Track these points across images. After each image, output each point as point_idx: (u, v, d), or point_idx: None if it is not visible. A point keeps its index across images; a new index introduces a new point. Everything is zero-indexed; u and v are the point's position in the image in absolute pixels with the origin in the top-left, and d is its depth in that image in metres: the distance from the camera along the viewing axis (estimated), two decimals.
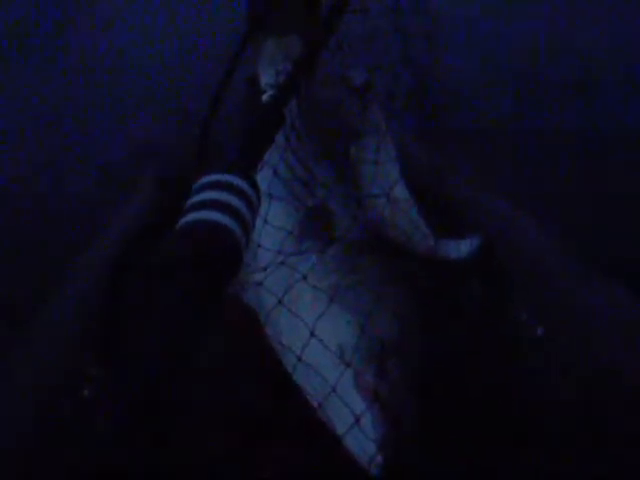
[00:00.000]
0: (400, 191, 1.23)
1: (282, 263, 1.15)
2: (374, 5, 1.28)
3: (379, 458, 0.92)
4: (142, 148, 2.42)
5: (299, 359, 1.01)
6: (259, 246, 1.16)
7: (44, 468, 0.90)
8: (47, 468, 0.90)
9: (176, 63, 3.03)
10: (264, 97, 1.42)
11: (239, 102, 1.59)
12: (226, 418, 1.07)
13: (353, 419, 0.95)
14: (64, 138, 2.68)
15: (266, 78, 1.54)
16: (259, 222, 1.08)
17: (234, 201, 0.75)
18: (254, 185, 0.80)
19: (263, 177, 1.03)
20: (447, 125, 1.30)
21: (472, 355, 1.10)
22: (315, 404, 1.01)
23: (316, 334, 1.01)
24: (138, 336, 0.66)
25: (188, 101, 2.36)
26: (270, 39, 1.67)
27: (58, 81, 3.08)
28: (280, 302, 1.06)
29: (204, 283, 0.69)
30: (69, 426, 0.94)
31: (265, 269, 1.15)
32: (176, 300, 0.67)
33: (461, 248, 1.22)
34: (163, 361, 0.65)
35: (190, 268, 0.69)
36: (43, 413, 1.00)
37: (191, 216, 0.73)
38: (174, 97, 2.70)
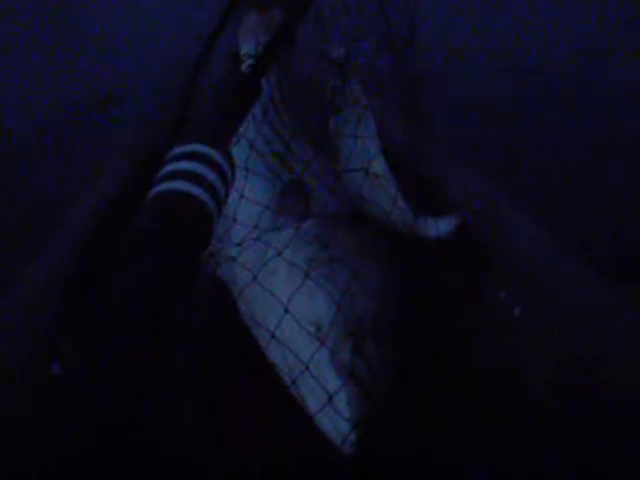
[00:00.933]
0: (379, 166, 1.21)
1: (257, 238, 1.13)
2: None
3: (352, 436, 0.91)
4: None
5: (273, 336, 1.00)
6: (234, 220, 1.14)
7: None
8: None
9: (157, 35, 2.99)
10: (243, 67, 1.40)
11: (220, 76, 1.56)
12: (197, 395, 1.06)
13: (326, 397, 0.94)
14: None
15: (245, 48, 1.51)
16: (235, 196, 1.06)
17: (206, 172, 0.73)
18: (228, 157, 0.79)
19: (240, 151, 1.01)
20: (427, 100, 1.27)
21: (449, 333, 1.09)
22: (288, 382, 1.00)
23: (291, 310, 0.99)
24: (110, 307, 0.65)
25: (167, 72, 2.31)
26: (252, 12, 1.64)
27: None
28: (255, 278, 1.04)
29: (174, 253, 0.68)
30: (35, 404, 0.92)
31: (240, 244, 1.14)
32: (146, 270, 0.65)
33: (440, 226, 1.21)
34: (134, 334, 0.63)
35: (159, 238, 0.67)
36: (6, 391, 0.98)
37: (162, 186, 0.72)
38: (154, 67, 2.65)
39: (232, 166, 0.80)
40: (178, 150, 0.76)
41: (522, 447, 0.95)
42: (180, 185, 0.71)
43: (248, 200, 1.11)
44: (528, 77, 2.75)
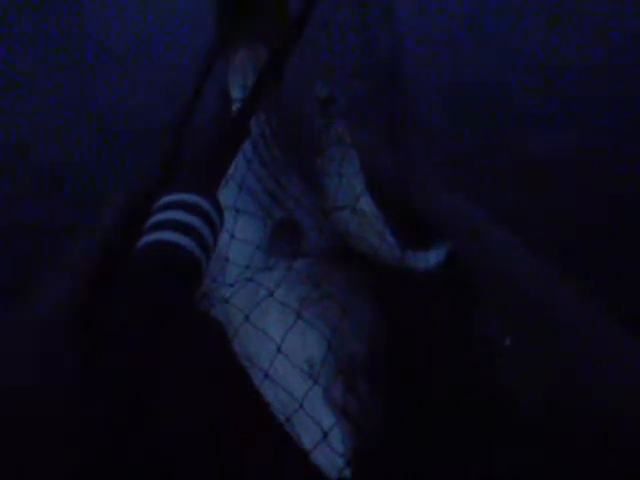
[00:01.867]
0: (366, 203, 1.23)
1: (249, 279, 1.14)
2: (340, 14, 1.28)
3: (347, 472, 0.92)
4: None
5: (266, 375, 1.01)
6: (227, 260, 1.16)
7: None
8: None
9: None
10: (233, 110, 1.42)
11: (209, 118, 1.59)
12: (196, 434, 1.06)
13: (321, 434, 0.95)
14: None
15: (235, 93, 1.53)
16: (226, 237, 1.08)
17: (194, 221, 0.75)
18: (215, 204, 0.80)
19: (229, 191, 1.03)
20: (413, 130, 1.30)
21: (440, 365, 1.10)
22: (282, 419, 1.01)
23: (283, 350, 1.01)
24: (106, 356, 0.66)
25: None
26: (240, 50, 1.67)
27: None
28: (247, 318, 1.06)
29: (163, 300, 0.69)
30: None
31: (232, 285, 1.15)
32: (135, 320, 0.67)
33: (428, 258, 1.23)
34: (131, 380, 0.65)
35: (149, 288, 0.69)
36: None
37: (151, 236, 0.73)
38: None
39: (220, 212, 0.81)
40: (166, 199, 0.77)
41: (509, 460, 0.96)
42: (168, 236, 0.72)
43: (239, 240, 1.13)
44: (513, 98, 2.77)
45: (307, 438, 0.97)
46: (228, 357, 1.14)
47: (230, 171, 0.89)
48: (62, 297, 1.25)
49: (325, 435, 0.94)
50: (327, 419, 0.97)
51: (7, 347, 1.15)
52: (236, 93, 1.53)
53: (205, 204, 0.78)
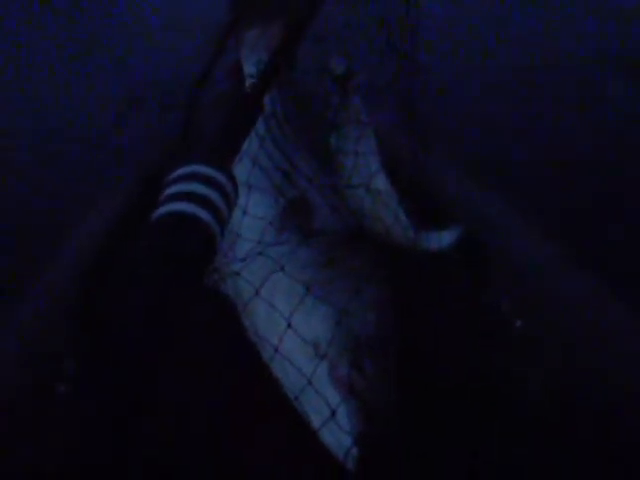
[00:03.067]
0: (381, 182, 1.22)
1: (260, 253, 1.14)
2: None
3: (354, 451, 0.92)
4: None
5: (276, 350, 1.01)
6: (239, 236, 1.15)
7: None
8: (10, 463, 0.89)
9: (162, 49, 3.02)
10: (246, 86, 1.41)
11: (222, 94, 1.58)
12: (203, 411, 1.07)
13: (329, 412, 0.94)
14: None
15: (248, 68, 1.53)
16: (239, 212, 1.07)
17: (209, 193, 0.74)
18: (230, 177, 0.80)
19: (243, 167, 1.02)
20: (429, 115, 1.29)
21: (451, 346, 1.10)
22: (292, 397, 1.01)
23: (292, 325, 1.00)
24: (118, 324, 0.66)
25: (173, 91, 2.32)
26: (253, 28, 1.66)
27: None
28: (257, 292, 1.05)
29: (177, 272, 0.69)
30: (39, 421, 0.94)
31: (244, 260, 1.15)
32: (152, 289, 0.66)
33: (441, 239, 1.22)
34: (141, 350, 0.64)
35: (164, 260, 0.68)
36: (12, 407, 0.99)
37: (166, 208, 0.73)
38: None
39: (234, 186, 0.81)
40: (181, 171, 0.77)
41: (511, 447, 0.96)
42: (184, 207, 0.72)
43: (251, 216, 1.12)
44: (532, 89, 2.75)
45: (316, 416, 0.97)
46: (238, 332, 1.14)
47: (244, 147, 0.88)
48: (67, 278, 1.25)
49: (333, 413, 0.94)
50: (334, 397, 0.96)
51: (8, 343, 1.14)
52: (249, 68, 1.52)
53: (221, 177, 0.77)
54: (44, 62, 3.01)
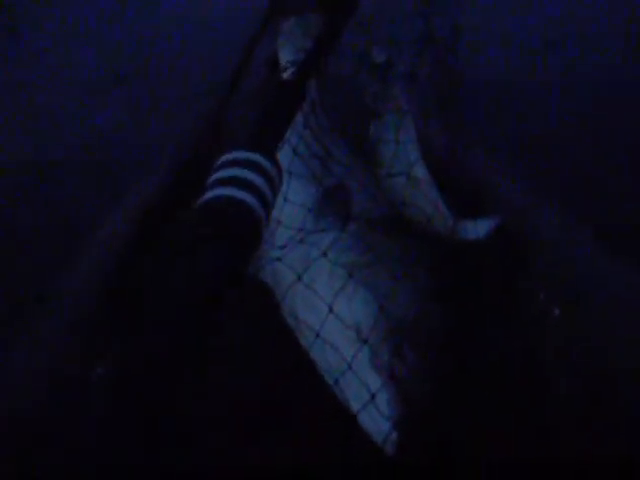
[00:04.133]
0: (420, 171, 1.23)
1: (301, 241, 1.15)
2: None
3: (394, 436, 0.93)
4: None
5: (317, 335, 1.02)
6: (279, 222, 1.17)
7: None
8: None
9: (197, 39, 3.02)
10: (285, 75, 1.42)
11: (259, 82, 1.59)
12: (242, 397, 1.08)
13: (369, 397, 0.96)
14: None
15: (286, 55, 1.53)
16: (280, 199, 1.09)
17: (256, 179, 0.76)
18: (276, 163, 0.82)
19: (284, 155, 1.04)
20: (468, 107, 1.29)
21: (489, 334, 1.10)
22: (331, 381, 1.02)
23: (334, 310, 1.02)
24: (159, 310, 0.67)
25: (207, 79, 2.33)
26: (291, 18, 1.67)
27: None
28: (299, 278, 1.07)
29: (225, 259, 0.71)
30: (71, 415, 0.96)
31: (284, 247, 1.16)
32: (198, 274, 0.68)
33: (479, 229, 1.22)
34: (183, 335, 0.66)
35: (212, 243, 0.70)
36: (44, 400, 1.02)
37: (213, 192, 0.74)
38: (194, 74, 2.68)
39: (279, 172, 0.82)
40: (228, 157, 0.79)
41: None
42: (231, 192, 0.73)
43: (292, 203, 1.14)
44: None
45: (355, 401, 0.98)
46: (276, 318, 1.16)
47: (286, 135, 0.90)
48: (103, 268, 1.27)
49: (372, 397, 0.96)
50: (374, 381, 0.98)
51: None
52: (287, 55, 1.53)
53: (266, 163, 0.79)
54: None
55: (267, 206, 0.77)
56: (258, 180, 0.76)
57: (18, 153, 2.22)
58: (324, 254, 1.09)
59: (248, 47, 1.51)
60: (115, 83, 2.62)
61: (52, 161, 2.14)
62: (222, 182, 0.75)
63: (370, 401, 0.95)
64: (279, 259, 1.14)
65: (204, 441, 1.00)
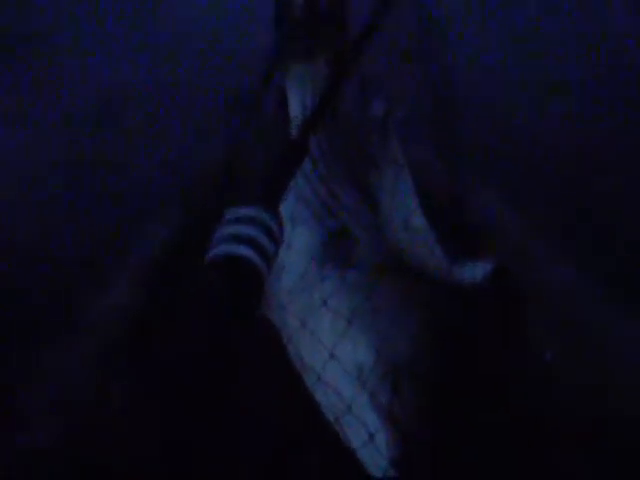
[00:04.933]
0: (418, 220, 1.27)
1: (304, 289, 1.21)
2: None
3: (391, 472, 0.98)
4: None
5: (319, 378, 1.08)
6: (283, 268, 1.23)
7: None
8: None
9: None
10: (291, 128, 1.47)
11: (268, 123, 1.64)
12: (250, 431, 1.12)
13: (367, 437, 1.01)
14: None
15: (294, 110, 1.58)
16: (284, 246, 1.15)
17: (259, 236, 0.82)
18: (277, 218, 0.87)
19: (288, 203, 1.09)
20: (466, 151, 1.33)
21: (484, 377, 1.13)
22: (332, 419, 1.07)
23: (335, 355, 1.07)
24: (173, 353, 0.74)
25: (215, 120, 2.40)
26: (298, 62, 1.72)
27: None
28: (303, 325, 1.12)
29: (232, 309, 0.77)
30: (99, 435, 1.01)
31: (289, 292, 1.22)
32: (209, 322, 0.75)
33: (476, 272, 1.26)
34: (195, 377, 0.72)
35: (221, 297, 0.77)
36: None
37: (219, 249, 0.81)
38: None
39: (281, 226, 0.88)
40: (233, 213, 0.85)
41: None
42: (236, 249, 0.80)
43: (295, 250, 1.19)
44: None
45: (355, 439, 1.04)
46: (284, 359, 1.20)
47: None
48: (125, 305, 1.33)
49: (371, 437, 1.01)
50: (373, 423, 1.03)
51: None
52: (294, 110, 1.58)
53: (269, 219, 0.85)
54: None
55: (268, 261, 0.84)
56: (262, 238, 0.83)
57: None
58: (325, 303, 1.15)
59: (256, 93, 1.58)
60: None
61: None
62: (228, 238, 0.82)
63: (369, 441, 1.00)
64: (283, 307, 1.19)
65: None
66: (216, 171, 1.53)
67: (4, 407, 1.11)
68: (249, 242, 0.82)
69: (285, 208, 0.94)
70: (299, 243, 1.22)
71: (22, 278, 1.82)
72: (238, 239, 0.82)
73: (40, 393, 1.14)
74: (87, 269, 1.85)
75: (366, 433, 1.01)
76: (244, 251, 0.81)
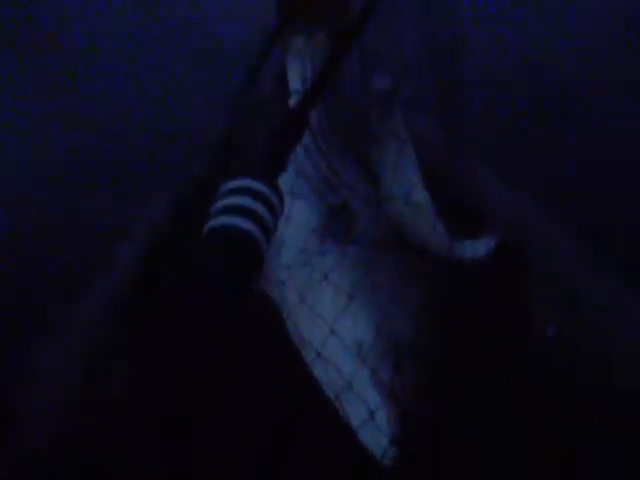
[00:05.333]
0: (420, 195, 1.26)
1: (304, 264, 1.20)
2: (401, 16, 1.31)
3: (392, 451, 0.97)
4: None
5: (318, 354, 1.07)
6: (283, 242, 1.21)
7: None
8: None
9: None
10: (291, 102, 1.45)
11: (267, 97, 1.62)
12: (248, 409, 1.12)
13: (368, 414, 1.00)
14: None
15: (293, 84, 1.57)
16: (283, 220, 1.13)
17: (258, 207, 0.81)
18: (277, 191, 0.86)
19: (288, 176, 1.08)
20: (471, 131, 1.32)
21: (486, 354, 1.13)
22: (332, 397, 1.06)
23: (335, 331, 1.06)
24: (171, 331, 0.72)
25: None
26: (298, 36, 1.70)
27: None
28: (302, 300, 1.11)
29: (230, 282, 0.76)
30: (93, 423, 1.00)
31: (288, 267, 1.20)
32: (207, 297, 0.74)
33: (478, 248, 1.25)
34: (192, 358, 0.71)
35: (219, 270, 0.75)
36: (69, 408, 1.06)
37: (218, 220, 0.79)
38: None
39: (281, 199, 0.87)
40: (232, 184, 0.84)
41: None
42: (234, 221, 0.79)
43: (295, 224, 1.18)
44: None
45: (355, 416, 1.03)
46: (283, 335, 1.20)
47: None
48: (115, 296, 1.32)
49: (372, 414, 1.00)
50: (374, 399, 1.02)
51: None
52: (294, 83, 1.56)
53: (268, 191, 0.84)
54: None
55: (268, 233, 0.82)
56: (261, 209, 0.81)
57: None
58: (325, 277, 1.13)
59: (257, 61, 1.56)
60: None
61: None
62: (226, 210, 0.81)
63: (370, 418, 1.00)
64: (283, 282, 1.18)
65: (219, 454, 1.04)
66: (216, 142, 1.51)
67: (4, 407, 1.10)
68: (248, 214, 0.80)
69: (285, 182, 0.92)
70: (299, 217, 1.21)
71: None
72: (237, 211, 0.80)
73: (40, 393, 1.13)
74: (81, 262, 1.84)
75: (366, 410, 1.01)
76: (243, 223, 0.79)
